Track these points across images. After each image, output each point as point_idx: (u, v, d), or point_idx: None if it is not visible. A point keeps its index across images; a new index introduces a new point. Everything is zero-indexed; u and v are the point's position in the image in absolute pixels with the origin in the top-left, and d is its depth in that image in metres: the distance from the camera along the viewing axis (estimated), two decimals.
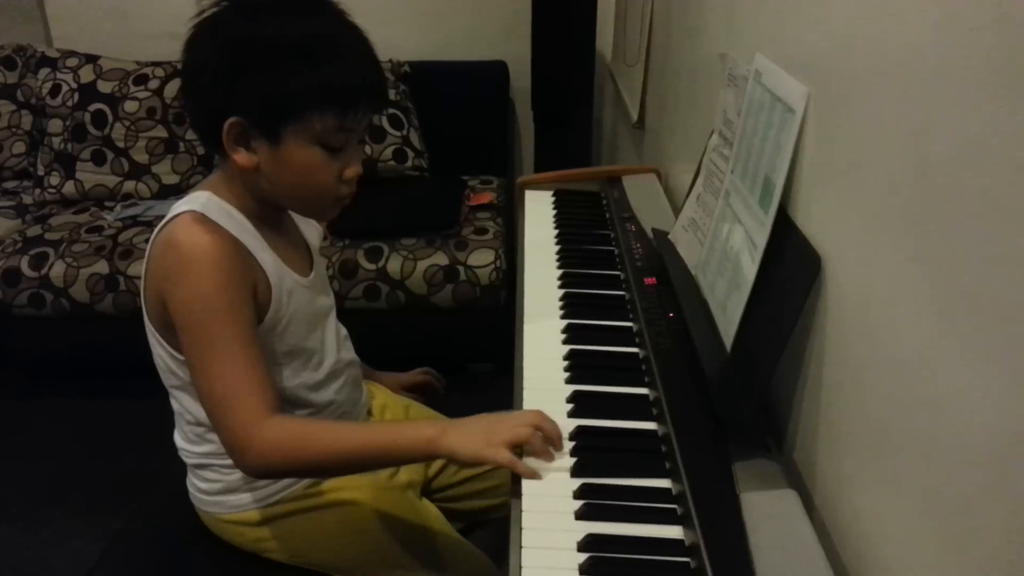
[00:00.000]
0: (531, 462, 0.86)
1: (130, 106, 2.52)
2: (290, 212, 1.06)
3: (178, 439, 1.06)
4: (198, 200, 0.93)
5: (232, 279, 0.90)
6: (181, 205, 0.94)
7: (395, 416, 1.21)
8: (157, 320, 0.95)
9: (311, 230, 1.11)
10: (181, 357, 0.95)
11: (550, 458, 0.87)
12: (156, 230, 0.94)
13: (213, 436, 1.01)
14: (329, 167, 0.93)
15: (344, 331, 1.14)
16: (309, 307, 1.03)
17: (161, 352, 0.98)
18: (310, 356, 1.04)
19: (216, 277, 0.88)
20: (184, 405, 1.01)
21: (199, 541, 1.08)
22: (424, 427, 0.90)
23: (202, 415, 0.99)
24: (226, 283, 0.89)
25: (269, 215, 0.99)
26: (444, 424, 0.89)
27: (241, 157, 0.91)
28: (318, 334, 1.05)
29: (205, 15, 0.91)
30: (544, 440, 0.87)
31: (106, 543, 1.13)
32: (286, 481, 1.04)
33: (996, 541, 0.53)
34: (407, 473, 1.16)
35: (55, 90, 2.53)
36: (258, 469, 0.92)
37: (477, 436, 0.87)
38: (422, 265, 2.19)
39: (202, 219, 0.91)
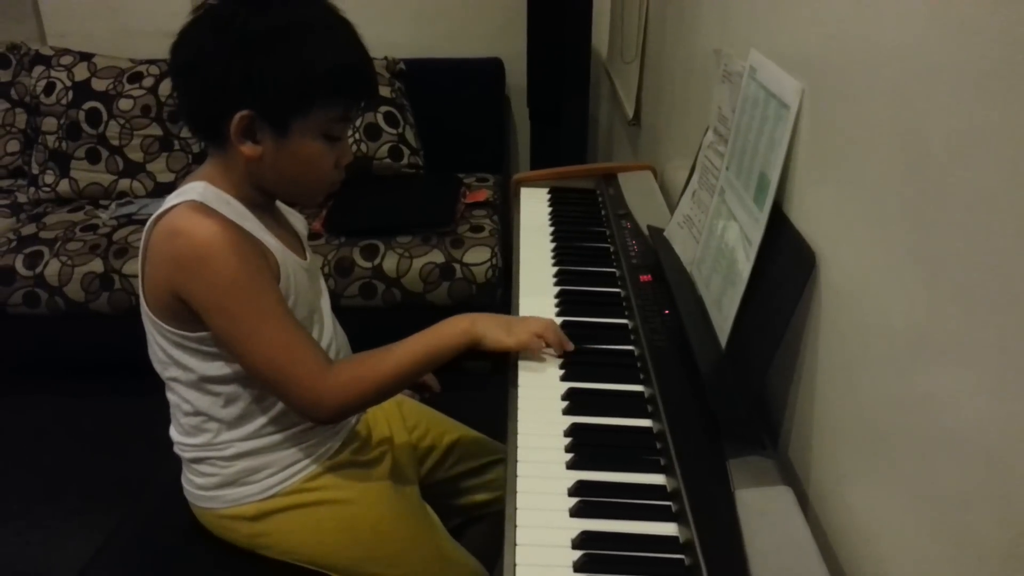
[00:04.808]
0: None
1: (124, 104, 2.51)
2: (277, 202, 1.08)
3: (174, 433, 1.06)
4: (195, 190, 0.94)
5: (249, 253, 0.92)
6: (177, 196, 0.94)
7: (387, 413, 1.21)
8: (162, 310, 0.95)
9: (297, 220, 1.13)
10: (189, 343, 0.96)
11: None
12: (151, 220, 0.94)
13: (210, 426, 1.01)
14: (328, 157, 0.97)
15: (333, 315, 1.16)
16: (309, 289, 1.05)
17: (162, 342, 0.98)
18: (310, 331, 1.05)
19: (235, 252, 0.90)
20: (182, 395, 1.01)
21: (194, 539, 1.08)
22: (457, 321, 1.01)
23: (201, 404, 0.99)
24: (246, 257, 0.91)
25: (263, 203, 1.01)
26: (472, 314, 1.02)
27: (248, 149, 0.93)
28: (318, 314, 1.08)
29: (202, 11, 0.91)
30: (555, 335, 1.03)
31: (101, 542, 1.12)
32: (284, 474, 1.04)
33: (989, 535, 0.53)
34: (403, 472, 1.16)
35: (49, 88, 2.52)
36: (336, 413, 0.98)
37: (501, 326, 1.02)
38: (418, 263, 2.19)
39: (202, 207, 0.92)
